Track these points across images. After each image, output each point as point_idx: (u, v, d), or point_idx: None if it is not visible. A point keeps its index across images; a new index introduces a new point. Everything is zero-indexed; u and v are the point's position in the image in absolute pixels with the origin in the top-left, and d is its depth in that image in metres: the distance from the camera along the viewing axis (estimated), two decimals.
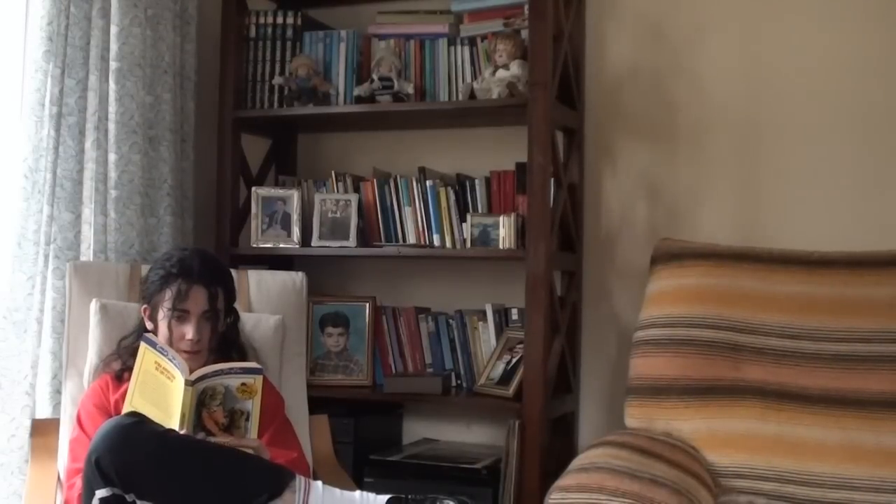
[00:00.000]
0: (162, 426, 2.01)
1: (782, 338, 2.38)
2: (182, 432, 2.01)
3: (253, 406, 2.11)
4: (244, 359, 2.34)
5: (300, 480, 1.98)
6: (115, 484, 1.92)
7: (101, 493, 1.93)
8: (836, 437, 2.26)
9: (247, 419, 2.11)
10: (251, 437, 2.10)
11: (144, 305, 2.32)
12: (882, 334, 2.30)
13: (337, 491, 2.00)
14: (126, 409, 2.11)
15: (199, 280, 2.26)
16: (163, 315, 2.26)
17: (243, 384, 2.10)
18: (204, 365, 2.17)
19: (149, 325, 2.31)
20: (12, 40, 2.63)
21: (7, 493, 2.51)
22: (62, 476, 2.29)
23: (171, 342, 2.23)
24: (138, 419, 2.01)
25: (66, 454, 2.29)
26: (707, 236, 2.76)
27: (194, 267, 2.27)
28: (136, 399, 2.12)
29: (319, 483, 2.01)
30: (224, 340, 2.35)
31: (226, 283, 2.34)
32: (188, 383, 2.03)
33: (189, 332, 2.23)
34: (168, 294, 2.25)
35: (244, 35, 3.09)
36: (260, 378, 2.12)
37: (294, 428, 2.42)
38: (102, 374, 2.34)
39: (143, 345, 2.14)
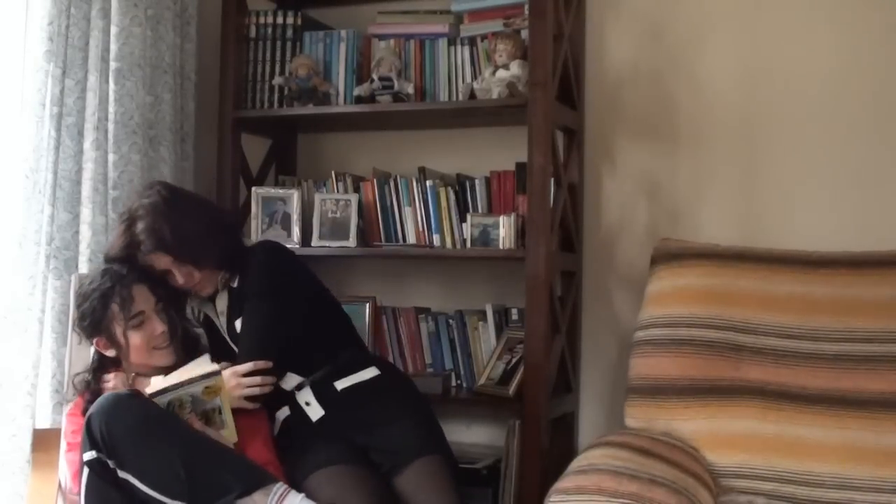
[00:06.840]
0: (156, 405, 2.07)
1: (782, 338, 2.38)
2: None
3: (222, 401, 2.19)
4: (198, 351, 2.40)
5: (279, 486, 2.01)
6: (101, 449, 1.97)
7: (87, 455, 1.99)
8: (836, 437, 2.26)
9: (220, 413, 2.19)
10: (228, 429, 2.19)
11: (96, 338, 2.32)
12: (882, 334, 2.30)
13: None
14: None
15: (133, 279, 2.30)
16: (121, 331, 2.28)
17: (206, 388, 2.17)
18: (175, 354, 2.31)
19: (110, 354, 2.32)
20: (12, 40, 2.62)
21: (8, 493, 2.51)
22: (65, 483, 2.28)
23: (146, 347, 2.28)
24: (135, 392, 2.09)
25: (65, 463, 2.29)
26: (707, 236, 2.76)
27: (120, 271, 2.31)
28: None
29: (301, 495, 2.02)
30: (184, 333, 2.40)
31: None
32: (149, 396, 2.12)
33: (157, 326, 2.30)
34: (115, 308, 2.27)
35: (244, 35, 3.08)
36: (220, 378, 2.18)
37: None
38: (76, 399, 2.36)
39: None
